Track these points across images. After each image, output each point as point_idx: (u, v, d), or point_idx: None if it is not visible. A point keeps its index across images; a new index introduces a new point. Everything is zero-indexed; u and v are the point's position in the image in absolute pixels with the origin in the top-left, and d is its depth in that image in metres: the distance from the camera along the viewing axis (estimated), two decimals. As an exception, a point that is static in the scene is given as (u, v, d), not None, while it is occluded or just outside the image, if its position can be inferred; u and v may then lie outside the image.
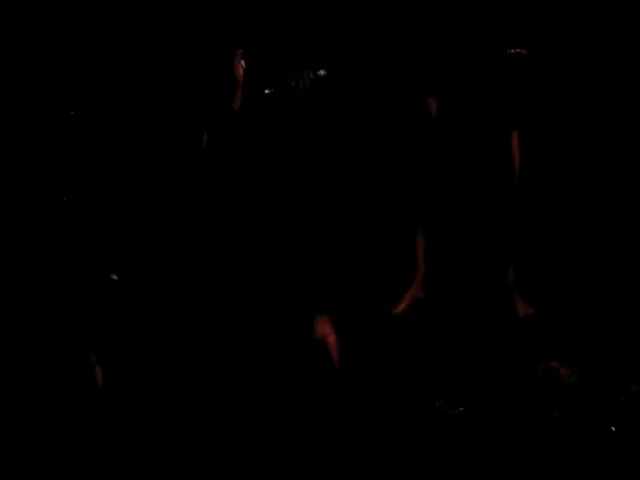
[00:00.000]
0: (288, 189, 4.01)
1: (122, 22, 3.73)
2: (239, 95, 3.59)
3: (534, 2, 4.27)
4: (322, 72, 4.17)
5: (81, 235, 3.71)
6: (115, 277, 3.56)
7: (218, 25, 3.86)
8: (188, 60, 3.73)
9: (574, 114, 4.40)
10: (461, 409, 3.62)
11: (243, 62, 3.64)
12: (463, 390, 3.73)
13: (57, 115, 3.82)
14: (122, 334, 3.55)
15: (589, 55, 4.37)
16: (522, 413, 3.60)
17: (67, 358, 3.64)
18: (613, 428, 3.50)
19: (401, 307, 4.30)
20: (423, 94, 4.26)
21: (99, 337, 3.63)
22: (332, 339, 3.61)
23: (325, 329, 3.59)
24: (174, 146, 3.61)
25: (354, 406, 3.65)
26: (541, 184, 4.40)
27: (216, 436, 3.52)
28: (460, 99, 4.21)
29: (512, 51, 4.18)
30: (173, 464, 3.38)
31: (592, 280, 4.23)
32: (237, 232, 3.66)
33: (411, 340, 4.05)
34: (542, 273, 4.28)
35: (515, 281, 4.22)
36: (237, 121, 3.67)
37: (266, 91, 3.79)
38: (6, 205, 3.80)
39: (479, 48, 4.18)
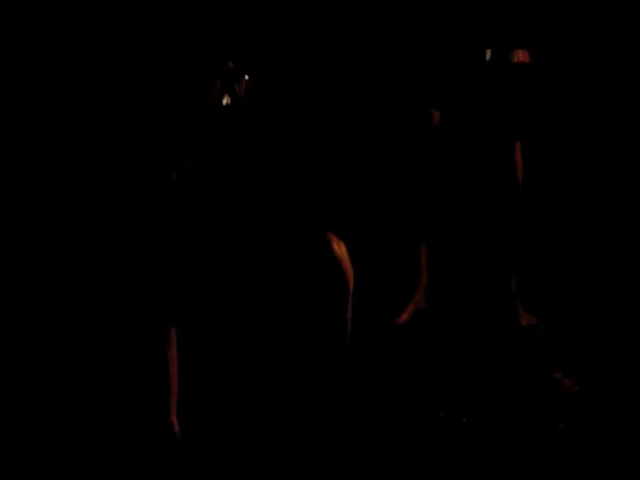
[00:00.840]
0: (290, 195, 4.01)
1: (119, 27, 3.72)
2: (240, 99, 3.58)
3: (537, 13, 4.27)
4: (323, 84, 4.18)
5: (81, 236, 3.70)
6: (117, 278, 3.55)
7: (215, 32, 3.84)
8: (182, 67, 3.71)
9: (577, 125, 4.41)
10: (464, 419, 3.62)
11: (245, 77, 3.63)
12: (466, 400, 3.72)
13: (56, 117, 3.82)
14: (123, 332, 3.54)
15: (592, 66, 4.37)
16: (525, 424, 3.59)
17: (67, 357, 3.65)
18: (616, 439, 3.49)
19: (404, 317, 4.30)
20: (426, 106, 4.26)
21: (99, 337, 3.62)
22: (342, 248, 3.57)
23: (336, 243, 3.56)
24: (169, 147, 3.59)
25: (357, 415, 3.64)
26: (544, 194, 4.40)
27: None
28: (463, 110, 4.22)
29: (515, 62, 4.18)
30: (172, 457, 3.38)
31: (595, 290, 4.23)
32: (233, 242, 3.66)
33: (414, 350, 4.05)
34: (545, 283, 4.28)
35: (518, 291, 4.22)
36: (238, 124, 3.66)
37: (265, 101, 3.78)
38: (6, 206, 3.79)
39: (482, 59, 4.18)
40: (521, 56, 4.17)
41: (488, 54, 4.14)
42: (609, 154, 4.42)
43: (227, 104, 3.50)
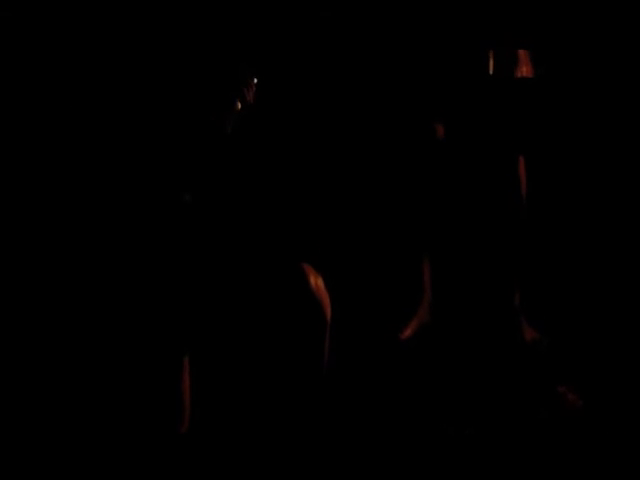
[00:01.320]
0: (293, 208, 4.01)
1: (123, 29, 3.71)
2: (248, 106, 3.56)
3: (542, 28, 4.28)
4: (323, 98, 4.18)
5: (80, 235, 3.69)
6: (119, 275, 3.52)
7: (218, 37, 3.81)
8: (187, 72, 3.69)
9: (582, 140, 4.40)
10: (467, 433, 3.60)
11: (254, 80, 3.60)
12: (469, 414, 3.70)
13: (55, 118, 3.81)
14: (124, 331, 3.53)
15: (598, 80, 4.37)
16: (529, 438, 3.57)
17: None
18: (621, 453, 3.47)
19: (407, 332, 4.29)
20: (430, 119, 4.26)
21: (98, 336, 3.61)
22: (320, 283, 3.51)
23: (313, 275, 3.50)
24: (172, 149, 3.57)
25: (359, 430, 3.63)
26: (548, 209, 4.40)
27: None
28: (466, 124, 4.21)
29: (519, 76, 4.17)
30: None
31: (600, 304, 4.22)
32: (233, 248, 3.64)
33: (417, 365, 4.04)
34: (549, 298, 4.26)
35: (522, 306, 4.20)
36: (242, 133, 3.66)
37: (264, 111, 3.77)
38: (6, 205, 3.78)
39: (485, 73, 4.18)
40: (525, 70, 4.16)
41: (491, 68, 4.14)
42: (614, 169, 4.42)
43: (238, 110, 3.46)
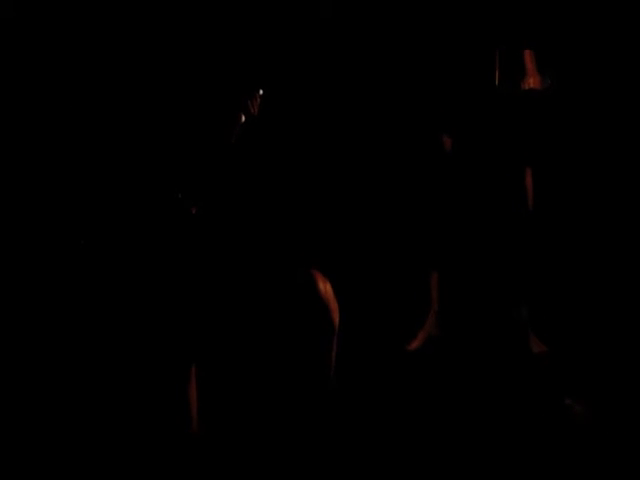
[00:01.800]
0: (301, 215, 4.02)
1: (126, 30, 3.71)
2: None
3: (550, 38, 4.28)
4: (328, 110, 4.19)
5: (87, 244, 3.70)
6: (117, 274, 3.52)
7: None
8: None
9: (588, 150, 4.41)
10: (473, 445, 3.59)
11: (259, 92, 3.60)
12: (476, 427, 3.70)
13: (55, 119, 3.82)
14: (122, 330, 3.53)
15: (605, 91, 4.37)
16: (537, 449, 3.56)
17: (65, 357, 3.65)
18: (630, 465, 3.46)
19: (415, 344, 4.29)
20: (437, 132, 4.27)
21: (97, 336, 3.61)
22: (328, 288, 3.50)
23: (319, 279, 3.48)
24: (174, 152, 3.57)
25: (364, 437, 3.63)
26: (556, 221, 4.40)
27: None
28: (474, 136, 4.22)
29: (526, 87, 4.18)
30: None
31: (608, 317, 4.22)
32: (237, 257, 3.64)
33: (424, 376, 4.04)
34: (557, 310, 4.26)
35: (529, 318, 4.20)
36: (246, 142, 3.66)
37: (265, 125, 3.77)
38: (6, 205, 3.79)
39: (493, 84, 4.19)
40: (532, 81, 4.17)
41: (498, 79, 4.15)
42: (622, 180, 4.42)
43: (242, 123, 3.44)
